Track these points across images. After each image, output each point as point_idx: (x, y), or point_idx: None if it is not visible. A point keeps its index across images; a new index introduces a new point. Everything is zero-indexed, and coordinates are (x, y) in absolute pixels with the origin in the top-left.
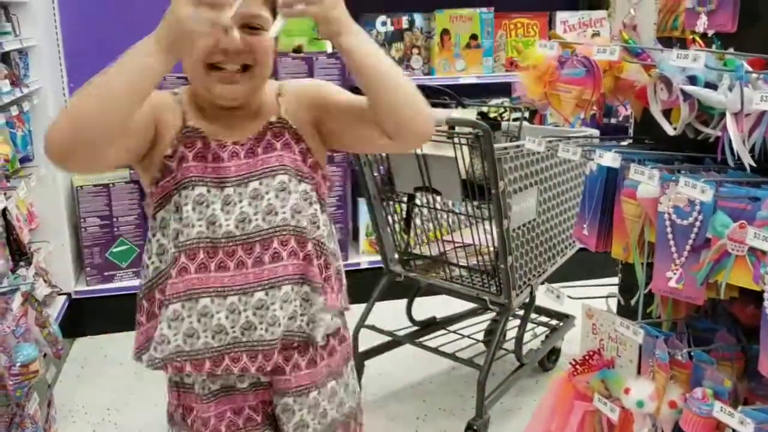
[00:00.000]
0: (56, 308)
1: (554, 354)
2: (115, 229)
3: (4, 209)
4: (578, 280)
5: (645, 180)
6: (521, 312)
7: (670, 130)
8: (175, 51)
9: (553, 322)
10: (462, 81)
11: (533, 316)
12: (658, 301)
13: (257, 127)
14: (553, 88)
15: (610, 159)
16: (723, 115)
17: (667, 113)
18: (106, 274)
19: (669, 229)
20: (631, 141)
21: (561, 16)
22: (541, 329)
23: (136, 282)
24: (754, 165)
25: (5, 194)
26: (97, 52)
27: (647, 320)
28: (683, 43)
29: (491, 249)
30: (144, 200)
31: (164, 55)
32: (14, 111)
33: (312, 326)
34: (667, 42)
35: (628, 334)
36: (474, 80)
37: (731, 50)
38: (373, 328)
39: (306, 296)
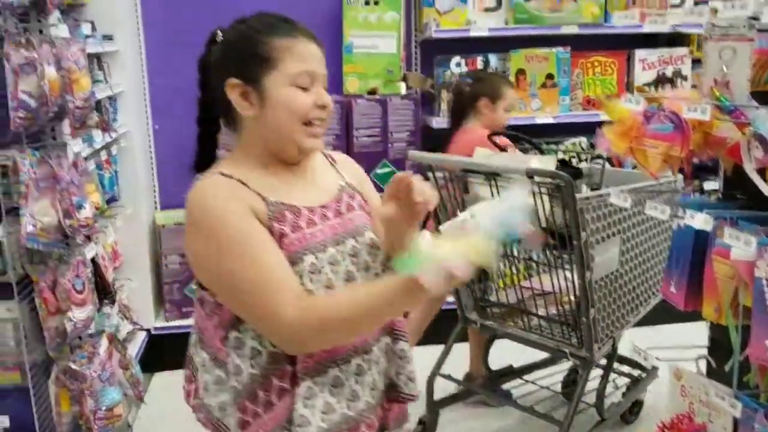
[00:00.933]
0: (137, 344)
1: (636, 407)
2: None
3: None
4: (663, 323)
5: (741, 246)
6: (602, 362)
7: (765, 190)
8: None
9: (636, 372)
10: (538, 120)
11: (616, 365)
12: (756, 369)
13: (330, 189)
14: (638, 143)
15: (701, 221)
16: None
17: (761, 171)
18: (184, 310)
19: (767, 295)
20: (721, 195)
21: (640, 54)
22: (622, 380)
23: None
24: None
25: (95, 242)
26: (180, 94)
27: (744, 390)
28: None
29: (572, 298)
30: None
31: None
32: (103, 155)
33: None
34: (761, 97)
35: (724, 406)
36: (550, 120)
37: None
38: (448, 377)
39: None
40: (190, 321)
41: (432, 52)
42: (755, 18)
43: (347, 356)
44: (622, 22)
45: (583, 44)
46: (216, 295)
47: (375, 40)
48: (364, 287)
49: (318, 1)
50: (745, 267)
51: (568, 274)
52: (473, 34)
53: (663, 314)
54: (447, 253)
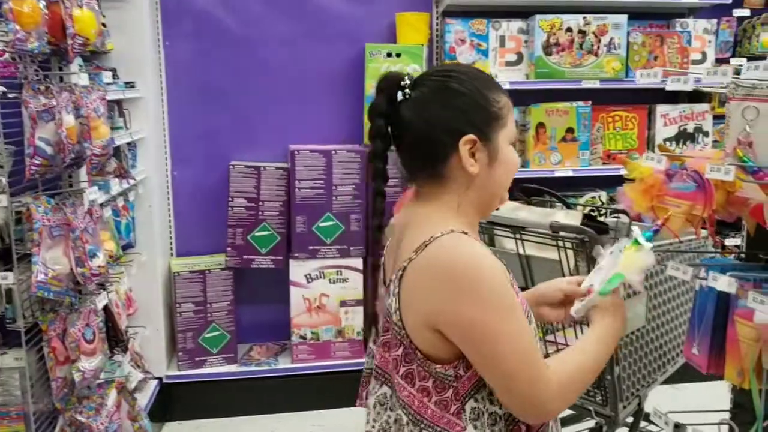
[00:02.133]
0: (147, 393)
1: None
2: (208, 315)
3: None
4: (688, 382)
5: (765, 310)
6: (629, 420)
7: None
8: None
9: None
10: (557, 174)
11: (644, 424)
12: None
13: None
14: (660, 201)
15: (725, 284)
16: None
17: None
18: (197, 359)
19: None
20: (743, 255)
21: (661, 109)
22: None
23: (226, 368)
24: None
25: (108, 290)
26: (199, 141)
27: None
28: None
29: None
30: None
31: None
32: (120, 201)
33: None
34: None
35: None
36: (570, 173)
37: None
38: None
39: None
40: (203, 370)
41: None
42: None
43: None
44: (645, 80)
45: (603, 98)
46: (457, 364)
47: None
48: (579, 342)
49: (340, 52)
50: None
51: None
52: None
53: (687, 373)
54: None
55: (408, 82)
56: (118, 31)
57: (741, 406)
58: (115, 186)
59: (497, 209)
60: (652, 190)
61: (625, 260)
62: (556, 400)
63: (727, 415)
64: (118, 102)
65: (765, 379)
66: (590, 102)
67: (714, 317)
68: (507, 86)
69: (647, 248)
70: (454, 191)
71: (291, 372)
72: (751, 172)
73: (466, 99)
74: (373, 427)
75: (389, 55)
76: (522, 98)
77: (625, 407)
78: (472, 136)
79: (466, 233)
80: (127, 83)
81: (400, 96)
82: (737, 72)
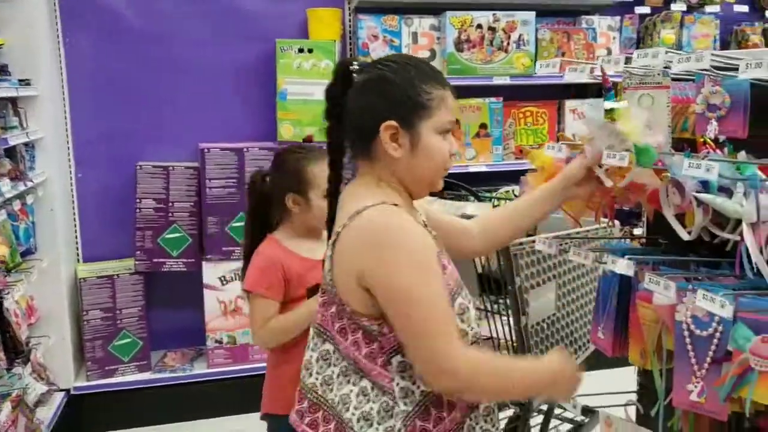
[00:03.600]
0: (53, 406)
1: None
2: (118, 322)
3: (0, 307)
4: (602, 368)
5: (661, 290)
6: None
7: (684, 235)
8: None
9: (579, 418)
10: (472, 169)
11: (558, 411)
12: (680, 413)
13: None
14: None
15: (623, 267)
16: (739, 220)
17: (681, 216)
18: (107, 368)
19: (688, 340)
20: (645, 240)
21: (570, 104)
22: (565, 426)
23: (138, 376)
24: None
25: (3, 298)
26: (106, 141)
27: None
28: (694, 145)
29: (511, 344)
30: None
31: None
32: (17, 205)
33: None
34: (678, 144)
35: None
36: (484, 168)
37: (743, 155)
38: None
39: None
40: (114, 379)
41: None
42: (667, 67)
43: None
44: (545, 71)
45: (515, 94)
46: (381, 322)
47: (310, 87)
48: (519, 359)
49: (251, 48)
50: (667, 311)
51: (508, 320)
52: (574, 81)
53: (600, 359)
54: None
55: (356, 67)
56: (9, 26)
57: (645, 387)
58: (7, 188)
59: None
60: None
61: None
62: (460, 374)
63: (633, 397)
64: (12, 100)
65: (665, 359)
66: (502, 98)
67: (617, 301)
68: None
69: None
70: (381, 169)
71: (207, 377)
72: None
73: (395, 88)
74: (317, 379)
75: (301, 50)
76: None
77: None
78: (393, 122)
79: (396, 205)
80: (21, 80)
81: (349, 82)
82: (629, 61)
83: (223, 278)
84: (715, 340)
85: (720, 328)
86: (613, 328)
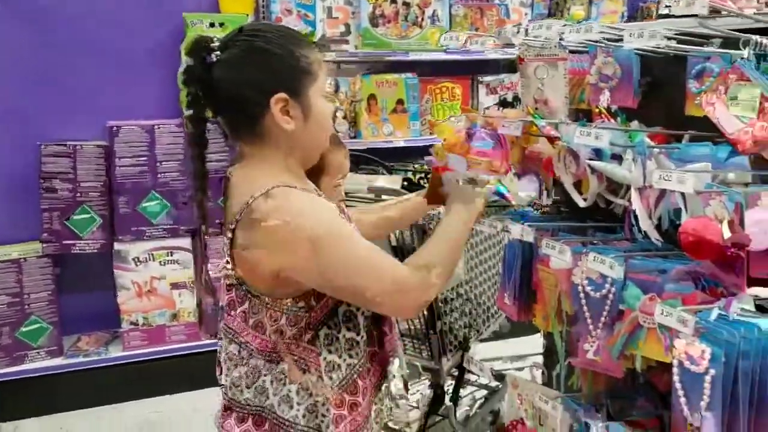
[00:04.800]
0: None
1: (493, 417)
2: (26, 307)
3: None
4: (522, 335)
5: (556, 255)
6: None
7: (580, 202)
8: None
9: (494, 383)
10: (391, 144)
11: (473, 378)
12: (579, 372)
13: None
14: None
15: (519, 231)
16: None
17: (579, 183)
18: (15, 354)
19: (584, 301)
20: (547, 207)
21: (483, 79)
22: (481, 392)
23: (50, 362)
24: (661, 240)
25: None
26: (5, 119)
27: (569, 394)
28: (591, 115)
29: (422, 313)
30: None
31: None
32: None
33: None
34: (576, 114)
35: (547, 409)
36: (402, 143)
37: (636, 124)
38: None
39: None
40: (24, 366)
41: None
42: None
43: None
44: (449, 43)
45: (430, 70)
46: (307, 298)
47: None
48: (438, 229)
49: (159, 22)
50: (564, 274)
51: None
52: (327, 57)
53: (518, 328)
54: None
55: (217, 44)
56: None
57: (550, 350)
58: None
59: None
60: (455, 148)
61: None
62: (419, 285)
63: (539, 361)
64: None
65: (565, 322)
66: (417, 73)
67: (522, 267)
68: (334, 56)
69: None
70: (274, 148)
71: (124, 360)
72: (540, 129)
73: (274, 57)
74: (226, 380)
75: (212, 25)
76: (352, 70)
77: (449, 360)
78: (282, 95)
79: (294, 187)
80: None
81: (211, 59)
82: (527, 33)
83: (136, 259)
84: (609, 301)
85: (613, 289)
86: (518, 294)
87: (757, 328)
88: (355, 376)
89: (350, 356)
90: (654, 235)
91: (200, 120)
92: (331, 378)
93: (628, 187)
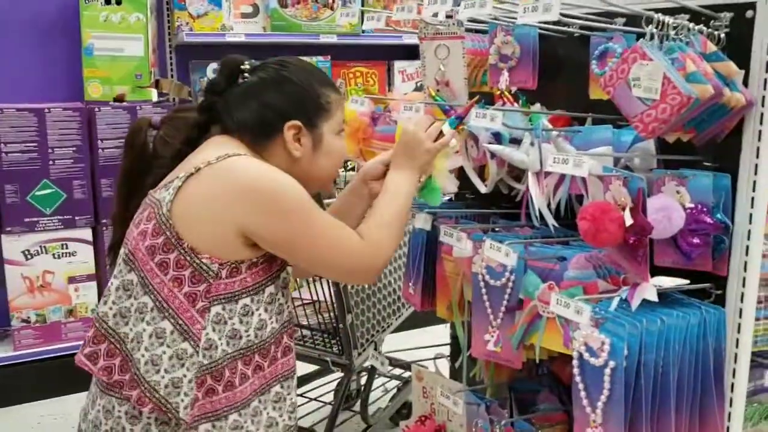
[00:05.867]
0: None
1: (407, 408)
2: None
3: None
4: (432, 324)
5: (454, 242)
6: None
7: (481, 188)
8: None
9: (406, 374)
10: None
11: (386, 369)
12: (482, 364)
13: None
14: (368, 145)
15: (421, 221)
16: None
17: (482, 169)
18: None
19: (483, 290)
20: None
21: (399, 65)
22: (393, 383)
23: None
24: (557, 226)
25: None
26: None
27: (473, 387)
28: (493, 99)
29: (332, 304)
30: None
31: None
32: None
33: None
34: (486, 95)
35: (448, 405)
36: None
37: (537, 107)
38: None
39: None
40: None
41: (188, 57)
42: (449, 16)
43: None
44: (344, 21)
45: (343, 54)
46: (225, 266)
47: (120, 43)
48: (382, 196)
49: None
50: (465, 263)
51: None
52: (229, 39)
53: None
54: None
55: (248, 67)
56: None
57: (455, 339)
58: None
59: None
60: (358, 133)
61: None
62: (373, 253)
63: (444, 351)
64: None
65: (467, 312)
66: (329, 57)
67: (426, 256)
68: (242, 39)
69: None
70: (274, 163)
71: (14, 360)
72: (443, 111)
73: (297, 88)
74: (111, 308)
75: (108, 2)
76: (260, 53)
77: (360, 354)
78: (297, 122)
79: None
80: None
81: (240, 79)
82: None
83: (27, 252)
84: (508, 290)
85: (512, 277)
86: (422, 283)
87: (660, 319)
88: (225, 365)
89: (228, 345)
90: (550, 221)
91: (202, 128)
92: (204, 356)
93: None
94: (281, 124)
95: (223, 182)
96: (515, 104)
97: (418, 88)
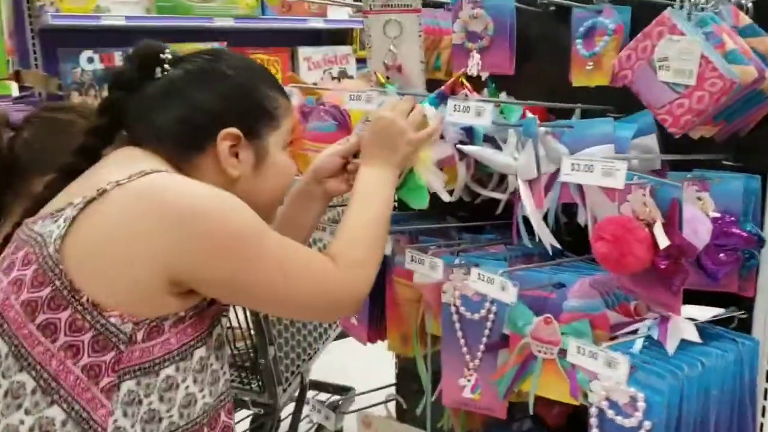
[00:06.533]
0: None
1: None
2: None
3: None
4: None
5: (426, 271)
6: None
7: (445, 197)
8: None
9: (334, 398)
10: None
11: (310, 393)
12: (450, 410)
13: None
14: (298, 146)
15: None
16: (504, 174)
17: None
18: None
19: (457, 324)
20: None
21: (304, 52)
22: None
23: None
24: (560, 248)
25: None
26: None
27: None
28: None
29: (248, 333)
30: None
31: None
32: None
33: None
34: (435, 85)
35: None
36: None
37: (505, 98)
38: None
39: None
40: None
41: (55, 44)
42: None
43: None
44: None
45: (241, 39)
46: (141, 324)
47: None
48: (354, 201)
49: None
50: (431, 290)
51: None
52: (106, 23)
53: None
54: None
55: (170, 56)
56: None
57: (407, 378)
58: None
59: None
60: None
61: None
62: (348, 279)
63: (393, 389)
64: None
65: (429, 345)
66: (226, 43)
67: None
68: (122, 22)
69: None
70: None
71: None
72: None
73: (237, 87)
74: None
75: None
76: (144, 37)
77: (285, 390)
78: (235, 130)
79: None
80: None
81: (158, 72)
82: None
83: None
84: (489, 323)
85: (494, 308)
86: (368, 310)
87: (700, 362)
88: None
89: (180, 416)
90: (550, 240)
91: (102, 135)
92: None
93: (500, 177)
94: (214, 132)
95: (142, 208)
96: (476, 95)
97: (326, 78)
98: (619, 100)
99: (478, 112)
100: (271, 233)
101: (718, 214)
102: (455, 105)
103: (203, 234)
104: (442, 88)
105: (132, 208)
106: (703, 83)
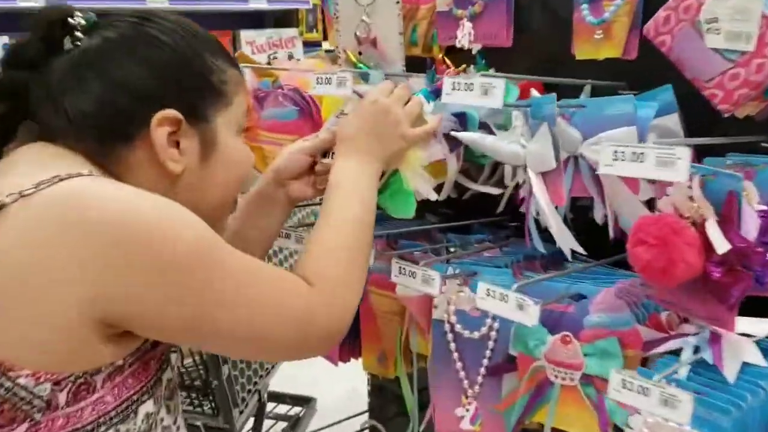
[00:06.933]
0: None
1: None
2: None
3: None
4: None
5: (418, 286)
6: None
7: (431, 195)
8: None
9: (294, 410)
10: None
11: (270, 406)
12: None
13: None
14: (253, 137)
15: None
16: (495, 165)
17: None
18: None
19: (452, 345)
20: None
21: (246, 35)
22: (281, 424)
23: None
24: (584, 253)
25: None
26: None
27: None
28: (425, 65)
29: (200, 358)
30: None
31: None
32: None
33: None
34: (418, 62)
35: None
36: None
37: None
38: None
39: None
40: None
41: None
42: None
43: None
44: None
45: None
46: (64, 383)
47: None
48: (326, 208)
49: None
50: (419, 304)
51: None
52: (23, 5)
53: None
54: None
55: (83, 22)
56: None
57: (382, 402)
58: None
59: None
60: None
61: None
62: (330, 304)
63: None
64: None
65: (415, 364)
66: None
67: None
68: (43, 3)
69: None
70: (137, 182)
71: None
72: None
73: (172, 55)
74: None
75: None
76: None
77: (242, 411)
78: (174, 112)
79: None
80: None
81: (68, 43)
82: None
83: None
84: (491, 343)
85: (496, 325)
86: None
87: (762, 389)
88: None
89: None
90: (571, 245)
91: (3, 124)
92: None
93: (491, 170)
94: (146, 116)
95: (55, 228)
96: (455, 70)
97: (271, 63)
98: (629, 76)
99: (484, 90)
100: (229, 250)
101: (764, 207)
102: (454, 83)
103: (141, 259)
104: (437, 83)
105: (42, 229)
106: (763, 49)
